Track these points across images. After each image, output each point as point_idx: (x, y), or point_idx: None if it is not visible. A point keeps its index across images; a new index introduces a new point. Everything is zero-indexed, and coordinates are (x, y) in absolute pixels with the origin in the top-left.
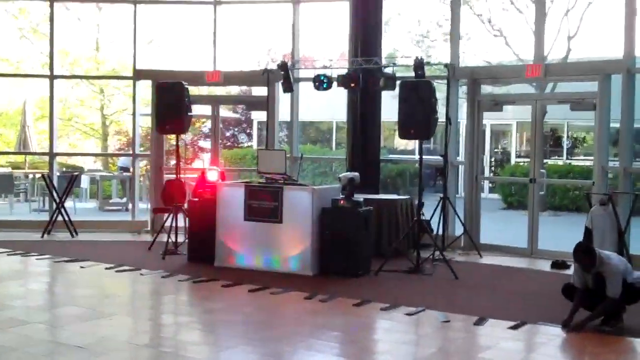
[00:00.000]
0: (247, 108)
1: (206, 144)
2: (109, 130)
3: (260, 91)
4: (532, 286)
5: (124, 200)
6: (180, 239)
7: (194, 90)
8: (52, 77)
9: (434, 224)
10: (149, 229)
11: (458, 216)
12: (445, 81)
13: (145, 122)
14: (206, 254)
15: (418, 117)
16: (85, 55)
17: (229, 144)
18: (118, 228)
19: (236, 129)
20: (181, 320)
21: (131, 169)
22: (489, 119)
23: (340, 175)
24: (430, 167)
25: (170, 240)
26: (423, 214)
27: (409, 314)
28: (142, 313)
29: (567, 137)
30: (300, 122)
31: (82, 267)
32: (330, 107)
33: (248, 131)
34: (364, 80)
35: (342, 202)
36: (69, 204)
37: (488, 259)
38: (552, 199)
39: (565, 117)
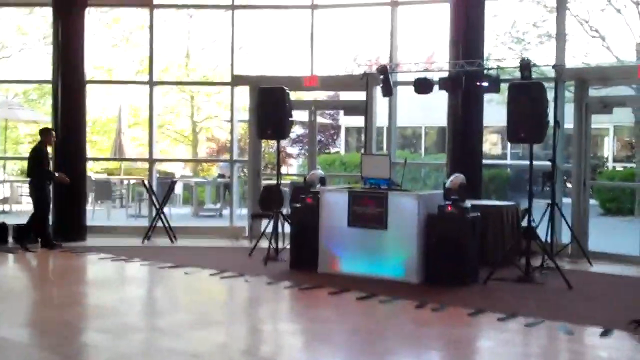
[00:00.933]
0: (345, 113)
1: (293, 150)
2: (198, 137)
3: (352, 96)
4: None
5: (218, 206)
6: (281, 245)
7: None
8: (151, 84)
9: (540, 231)
10: (247, 234)
11: (567, 223)
12: (552, 83)
13: (239, 128)
14: (309, 261)
15: (529, 119)
16: (176, 63)
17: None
18: (216, 234)
19: (324, 135)
20: (292, 329)
21: (227, 175)
22: None
23: (449, 180)
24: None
25: (271, 247)
26: (534, 220)
27: (528, 325)
28: (252, 321)
29: None
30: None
31: (186, 272)
32: (418, 113)
33: (335, 137)
34: (466, 82)
35: (449, 208)
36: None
37: (599, 268)
38: None
39: None
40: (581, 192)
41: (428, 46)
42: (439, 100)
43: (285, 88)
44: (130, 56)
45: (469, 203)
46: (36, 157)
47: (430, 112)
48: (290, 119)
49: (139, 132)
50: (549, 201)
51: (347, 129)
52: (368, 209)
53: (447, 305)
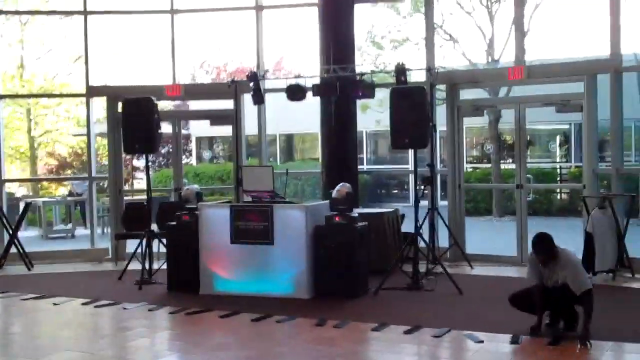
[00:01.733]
0: (212, 123)
1: (139, 163)
2: (37, 153)
3: (214, 105)
4: None
5: (69, 226)
6: (154, 266)
7: None
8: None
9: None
10: (110, 256)
11: (448, 227)
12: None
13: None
14: (188, 282)
15: (412, 125)
16: (8, 74)
17: (164, 161)
18: (75, 258)
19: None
20: None
21: (78, 193)
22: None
23: (335, 190)
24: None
25: (144, 269)
26: (421, 227)
27: (436, 336)
28: (150, 355)
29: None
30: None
31: (55, 303)
32: (284, 120)
33: (185, 147)
34: (340, 88)
35: (337, 218)
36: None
37: (480, 270)
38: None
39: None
40: (457, 195)
41: (305, 53)
42: (307, 107)
43: (153, 98)
44: None
45: (355, 212)
46: None
47: (293, 120)
48: (159, 131)
49: None
50: (429, 206)
51: (198, 139)
52: (252, 224)
53: (348, 321)
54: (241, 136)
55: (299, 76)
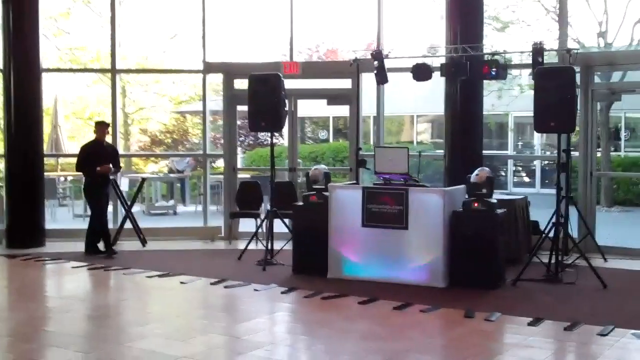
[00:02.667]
0: (328, 102)
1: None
2: (131, 130)
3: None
4: None
5: (171, 203)
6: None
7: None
8: (113, 71)
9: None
10: (223, 235)
11: (582, 217)
12: None
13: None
14: (314, 265)
15: (559, 108)
16: (106, 51)
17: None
18: (186, 235)
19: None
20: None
21: (180, 170)
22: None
23: (475, 174)
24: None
25: (268, 249)
26: (562, 216)
27: (602, 335)
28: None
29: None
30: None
31: (182, 282)
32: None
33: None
34: (470, 68)
35: (475, 204)
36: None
37: (614, 263)
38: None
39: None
40: (588, 183)
41: (426, 33)
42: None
43: (280, 75)
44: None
45: (494, 199)
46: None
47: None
48: (285, 108)
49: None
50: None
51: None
52: (386, 207)
53: (496, 313)
54: (360, 116)
55: (425, 55)
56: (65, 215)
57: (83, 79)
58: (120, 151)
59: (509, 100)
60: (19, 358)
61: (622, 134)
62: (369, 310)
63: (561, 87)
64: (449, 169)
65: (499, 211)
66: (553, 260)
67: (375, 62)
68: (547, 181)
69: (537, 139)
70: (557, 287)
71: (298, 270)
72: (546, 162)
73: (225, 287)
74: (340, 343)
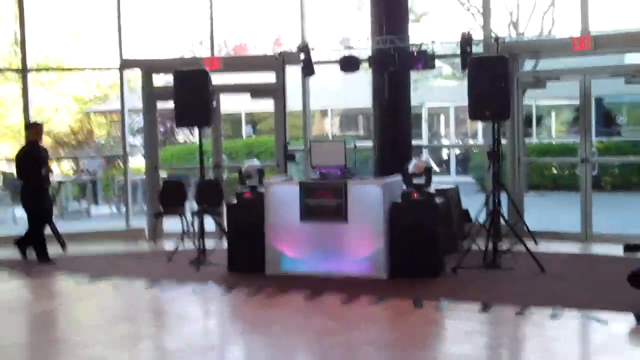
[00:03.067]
0: (252, 96)
1: (135, 140)
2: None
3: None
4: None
5: (84, 205)
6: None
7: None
8: (24, 71)
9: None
10: (146, 236)
11: (513, 203)
12: None
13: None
14: (249, 262)
15: (494, 96)
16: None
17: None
18: (109, 238)
19: (163, 124)
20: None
21: (99, 172)
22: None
23: (413, 164)
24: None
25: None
26: (499, 204)
27: (553, 317)
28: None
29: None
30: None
31: (115, 287)
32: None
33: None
34: (398, 59)
35: (415, 194)
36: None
37: (545, 247)
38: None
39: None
40: (516, 169)
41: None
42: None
43: (208, 70)
44: None
45: (432, 188)
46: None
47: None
48: (214, 103)
49: None
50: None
51: None
52: (324, 201)
53: (444, 301)
54: (285, 111)
55: (350, 47)
56: None
57: None
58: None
59: (424, 92)
60: None
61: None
62: (317, 306)
63: (495, 76)
64: (379, 160)
65: (438, 201)
66: (490, 247)
67: (302, 55)
68: (459, 169)
69: (446, 129)
70: (497, 273)
71: (234, 269)
72: (459, 151)
73: (162, 289)
74: (297, 340)
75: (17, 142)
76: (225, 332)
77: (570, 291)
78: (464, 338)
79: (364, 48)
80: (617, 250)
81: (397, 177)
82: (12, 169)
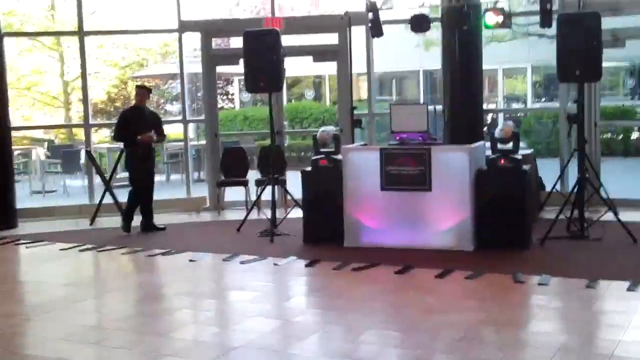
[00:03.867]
0: (314, 59)
1: (172, 107)
2: (71, 99)
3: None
4: None
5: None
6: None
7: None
8: (81, 34)
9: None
10: (208, 205)
11: (594, 171)
12: None
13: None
14: (327, 233)
15: (585, 56)
16: (36, 14)
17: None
18: (172, 207)
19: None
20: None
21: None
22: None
23: (499, 129)
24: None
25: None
26: (586, 169)
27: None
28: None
29: None
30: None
31: (191, 260)
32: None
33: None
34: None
35: (502, 161)
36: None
37: (628, 216)
38: None
39: None
40: (592, 134)
41: None
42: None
43: (279, 30)
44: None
45: (520, 154)
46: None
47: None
48: (284, 67)
49: None
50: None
51: (241, 81)
52: (406, 169)
53: (548, 276)
54: (350, 74)
55: (422, 5)
56: (20, 192)
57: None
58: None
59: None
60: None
61: None
62: (410, 281)
63: (587, 34)
64: (449, 125)
65: (525, 167)
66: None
67: (370, 14)
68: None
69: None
70: (587, 244)
71: (310, 240)
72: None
73: (242, 262)
74: (403, 319)
75: (53, 110)
76: (323, 311)
77: None
78: (588, 316)
79: (434, 5)
80: None
81: (480, 143)
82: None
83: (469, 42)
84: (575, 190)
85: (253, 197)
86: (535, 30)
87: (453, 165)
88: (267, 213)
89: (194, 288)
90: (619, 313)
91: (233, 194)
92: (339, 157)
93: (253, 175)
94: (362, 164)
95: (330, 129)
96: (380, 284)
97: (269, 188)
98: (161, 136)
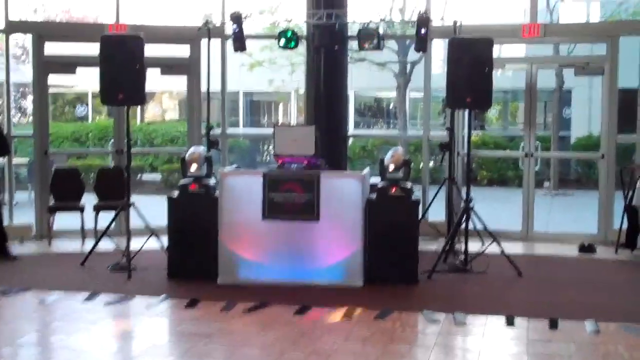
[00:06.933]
0: (163, 72)
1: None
2: None
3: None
4: (599, 276)
5: None
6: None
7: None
8: None
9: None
10: (34, 233)
11: (464, 199)
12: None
13: None
14: (197, 268)
15: (476, 83)
16: None
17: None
18: None
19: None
20: None
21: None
22: None
23: (390, 155)
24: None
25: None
26: (472, 199)
27: (552, 328)
28: None
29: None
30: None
31: (42, 300)
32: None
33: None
34: (340, 38)
35: (393, 190)
36: None
37: (495, 247)
38: None
39: None
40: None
41: None
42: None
43: (141, 35)
44: None
45: (409, 183)
46: None
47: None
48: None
49: None
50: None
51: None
52: (292, 196)
53: (462, 315)
54: (201, 90)
55: (290, 20)
56: None
57: None
58: None
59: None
60: None
61: None
62: (321, 323)
63: (478, 60)
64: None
65: (415, 197)
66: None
67: (234, 26)
68: None
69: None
70: (472, 277)
71: (177, 276)
72: None
73: (107, 304)
74: None
75: None
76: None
77: (575, 298)
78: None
79: (299, 23)
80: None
81: (367, 170)
82: None
83: (337, 62)
84: (460, 220)
85: (89, 225)
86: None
87: (344, 193)
88: (111, 243)
89: (70, 341)
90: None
91: (64, 221)
92: (212, 181)
93: (90, 199)
94: (241, 189)
95: (201, 149)
96: (287, 326)
97: (108, 214)
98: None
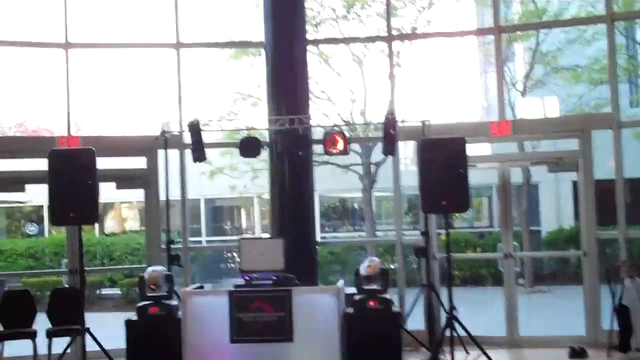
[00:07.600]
0: (118, 186)
1: None
2: None
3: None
4: None
5: None
6: None
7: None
8: None
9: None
10: None
11: (444, 307)
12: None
13: None
14: None
15: (450, 184)
16: None
17: None
18: None
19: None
20: None
21: None
22: None
23: (366, 265)
24: None
25: None
26: (455, 309)
27: None
28: None
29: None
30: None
31: None
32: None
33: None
34: (303, 143)
35: (371, 302)
36: None
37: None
38: None
39: None
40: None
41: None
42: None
43: (93, 149)
44: None
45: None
46: None
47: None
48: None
49: None
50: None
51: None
52: (262, 316)
53: None
54: (159, 201)
55: (252, 128)
56: None
57: None
58: None
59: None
60: None
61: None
62: None
63: (451, 161)
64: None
65: (395, 309)
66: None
67: (192, 136)
68: None
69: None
70: None
71: None
72: None
73: None
74: None
75: None
76: None
77: None
78: None
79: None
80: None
81: (341, 283)
82: None
83: (302, 167)
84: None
85: (43, 351)
86: (323, 158)
87: (318, 309)
88: None
89: None
90: None
91: (15, 348)
92: (174, 302)
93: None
94: (206, 310)
95: (161, 268)
96: None
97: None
98: None
